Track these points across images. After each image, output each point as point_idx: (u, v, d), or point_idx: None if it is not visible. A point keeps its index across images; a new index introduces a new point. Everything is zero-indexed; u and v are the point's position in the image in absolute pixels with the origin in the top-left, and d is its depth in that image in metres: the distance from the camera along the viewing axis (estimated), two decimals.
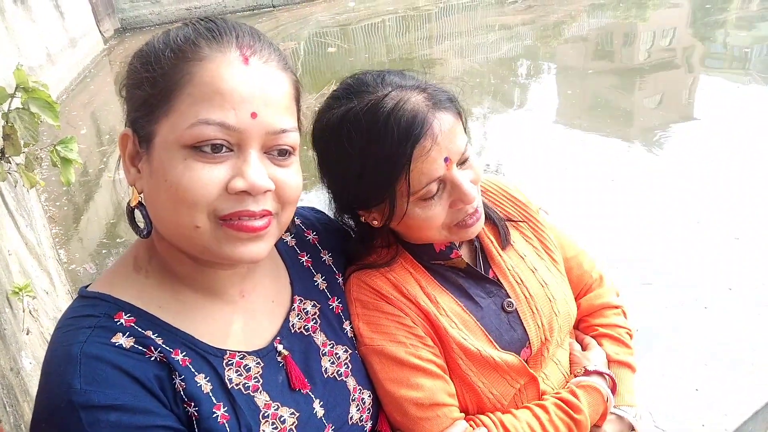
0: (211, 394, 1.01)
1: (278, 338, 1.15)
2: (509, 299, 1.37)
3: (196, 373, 1.01)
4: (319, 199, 1.42)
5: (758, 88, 7.86)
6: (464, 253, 1.41)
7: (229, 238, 0.98)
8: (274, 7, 17.24)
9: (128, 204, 1.06)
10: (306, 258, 1.33)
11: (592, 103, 8.18)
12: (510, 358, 1.31)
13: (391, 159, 1.18)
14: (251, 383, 1.07)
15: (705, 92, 8.01)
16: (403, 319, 1.29)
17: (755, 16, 11.38)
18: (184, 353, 1.02)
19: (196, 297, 1.09)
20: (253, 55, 0.99)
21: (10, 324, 2.40)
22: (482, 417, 1.28)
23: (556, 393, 1.35)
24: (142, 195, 1.04)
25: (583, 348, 1.49)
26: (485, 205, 1.45)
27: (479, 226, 1.30)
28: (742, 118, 6.67)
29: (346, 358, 1.24)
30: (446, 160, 1.20)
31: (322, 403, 1.14)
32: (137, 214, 1.07)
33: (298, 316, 1.22)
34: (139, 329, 0.99)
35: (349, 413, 1.19)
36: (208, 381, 1.02)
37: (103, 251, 5.52)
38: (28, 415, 2.06)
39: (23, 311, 2.57)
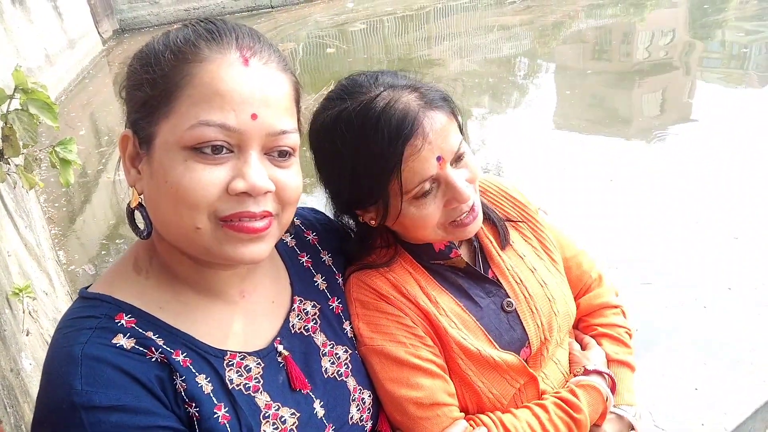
0: (212, 395, 1.01)
1: (278, 339, 1.15)
2: (509, 299, 1.38)
3: (197, 374, 1.01)
4: (319, 200, 1.42)
5: (757, 88, 7.86)
6: (464, 253, 1.41)
7: (230, 239, 0.98)
8: (272, 8, 17.24)
9: (128, 205, 1.07)
10: (306, 258, 1.33)
11: (591, 103, 8.19)
12: (510, 357, 1.31)
13: (383, 158, 1.19)
14: (252, 384, 1.07)
15: (704, 92, 8.02)
16: (403, 319, 1.30)
17: (754, 15, 11.39)
18: (185, 354, 1.02)
19: (197, 298, 1.10)
20: (253, 57, 0.99)
21: (10, 325, 2.40)
22: (482, 416, 1.28)
23: (556, 392, 1.35)
24: (142, 196, 1.04)
25: (583, 347, 1.49)
26: (484, 205, 1.46)
27: (477, 225, 1.30)
28: (741, 118, 6.68)
29: (346, 358, 1.24)
30: (439, 159, 1.20)
31: (322, 403, 1.15)
32: (137, 215, 1.07)
33: (298, 316, 1.22)
34: (140, 330, 1.00)
35: (350, 413, 1.19)
36: (208, 381, 1.02)
37: (103, 252, 5.52)
38: (29, 415, 2.06)
39: (23, 312, 2.56)
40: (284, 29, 14.71)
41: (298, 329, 1.20)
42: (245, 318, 1.14)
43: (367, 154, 1.20)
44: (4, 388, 1.95)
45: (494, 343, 1.32)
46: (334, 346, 1.24)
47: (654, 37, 10.92)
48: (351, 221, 1.42)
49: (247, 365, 1.08)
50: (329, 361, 1.21)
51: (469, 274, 1.39)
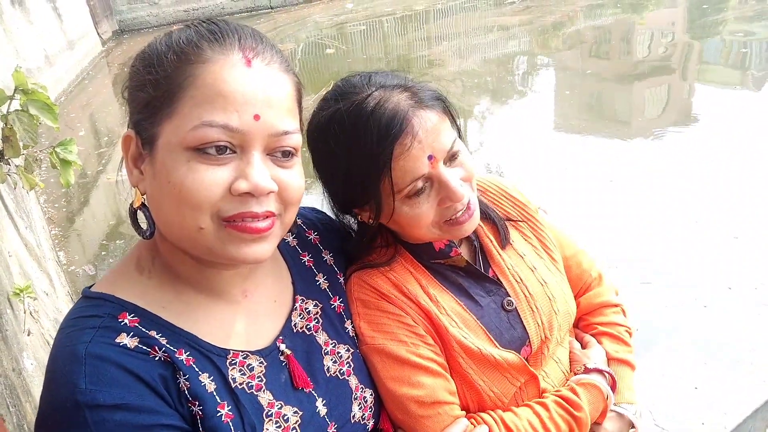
0: (215, 394, 1.02)
1: (281, 338, 1.16)
2: (509, 298, 1.38)
3: (200, 373, 1.02)
4: (318, 199, 1.43)
5: (756, 88, 7.87)
6: (464, 252, 1.42)
7: (233, 239, 0.99)
8: (272, 8, 17.22)
9: (131, 205, 1.07)
10: (308, 258, 1.33)
11: (591, 103, 8.20)
12: (510, 356, 1.31)
13: (373, 157, 1.20)
14: (255, 382, 1.07)
15: (703, 92, 8.03)
16: (404, 318, 1.30)
17: (753, 15, 11.40)
18: (188, 353, 1.02)
19: (199, 297, 1.10)
20: (255, 57, 0.99)
21: (12, 325, 2.40)
22: (483, 415, 1.29)
23: (557, 391, 1.35)
24: (144, 196, 1.05)
25: (583, 346, 1.49)
26: (485, 205, 1.46)
27: (473, 224, 1.31)
28: (741, 117, 6.69)
29: (348, 357, 1.25)
30: (430, 157, 1.21)
31: (324, 401, 1.15)
32: (140, 215, 1.08)
33: (300, 315, 1.22)
34: (143, 329, 1.00)
35: (352, 412, 1.20)
36: (212, 380, 1.03)
37: (103, 253, 5.52)
38: (30, 415, 2.06)
39: (24, 312, 2.57)
40: (283, 30, 14.70)
41: (300, 328, 1.21)
42: (247, 317, 1.14)
43: (359, 154, 1.21)
44: (7, 387, 1.96)
45: (495, 342, 1.33)
46: (335, 345, 1.24)
47: (653, 37, 10.93)
48: (352, 220, 1.43)
49: (249, 364, 1.08)
50: (331, 359, 1.22)
51: (470, 273, 1.40)
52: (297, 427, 1.09)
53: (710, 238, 4.46)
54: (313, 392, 1.14)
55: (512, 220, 1.51)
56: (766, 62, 8.91)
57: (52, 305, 3.51)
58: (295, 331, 1.20)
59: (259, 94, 0.97)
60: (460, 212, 1.27)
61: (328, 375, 1.19)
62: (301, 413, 1.10)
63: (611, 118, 7.44)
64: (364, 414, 1.22)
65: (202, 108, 0.94)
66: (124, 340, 0.97)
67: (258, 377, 1.08)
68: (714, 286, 3.90)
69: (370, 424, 1.24)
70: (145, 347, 0.98)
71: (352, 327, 1.31)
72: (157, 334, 1.01)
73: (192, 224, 0.97)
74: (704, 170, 5.50)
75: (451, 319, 1.32)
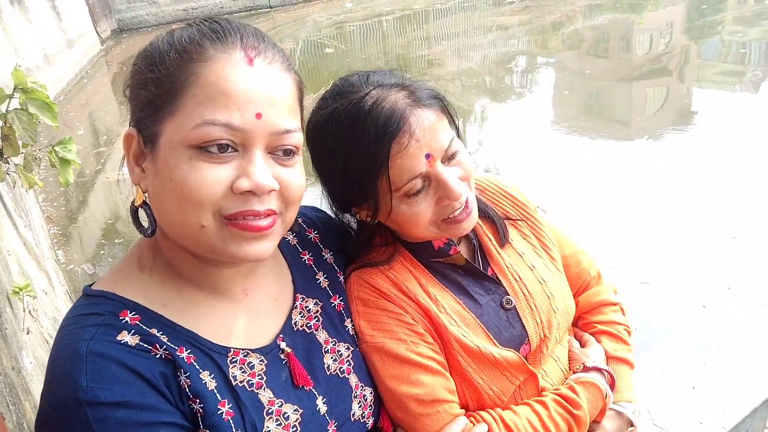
0: (215, 391, 1.02)
1: (281, 336, 1.16)
2: (508, 296, 1.39)
3: (201, 371, 1.02)
4: (317, 197, 1.44)
5: (755, 88, 7.88)
6: (463, 251, 1.42)
7: (235, 237, 0.99)
8: (271, 8, 17.21)
9: (132, 203, 1.07)
10: (308, 257, 1.34)
11: (590, 103, 8.21)
12: (509, 354, 1.32)
13: (370, 156, 1.20)
14: (255, 380, 1.08)
15: (702, 92, 8.04)
16: (404, 316, 1.30)
17: (752, 15, 11.42)
18: (189, 351, 1.02)
19: (200, 295, 1.10)
20: (257, 56, 1.00)
21: (11, 323, 2.40)
22: (482, 413, 1.29)
23: (556, 389, 1.36)
24: (146, 194, 1.05)
25: (582, 345, 1.50)
26: (483, 204, 1.47)
27: (471, 223, 1.31)
28: (740, 117, 6.70)
29: (348, 355, 1.25)
30: (428, 156, 1.21)
31: (324, 399, 1.16)
32: (141, 213, 1.08)
33: (300, 314, 1.22)
34: (144, 327, 1.00)
35: (352, 410, 1.20)
36: (212, 378, 1.03)
37: (101, 252, 5.52)
38: (30, 413, 2.07)
39: (23, 311, 2.57)
40: (283, 29, 14.70)
41: (301, 326, 1.21)
42: (248, 315, 1.15)
43: (357, 153, 1.22)
44: (6, 386, 1.96)
45: (494, 341, 1.33)
46: (336, 343, 1.24)
47: (652, 37, 10.94)
48: (351, 219, 1.43)
49: (250, 362, 1.09)
50: (331, 358, 1.22)
51: (469, 271, 1.40)
52: (297, 425, 1.09)
53: (710, 238, 4.47)
54: (313, 390, 1.15)
55: (511, 219, 1.52)
56: (765, 62, 8.92)
57: (51, 304, 3.51)
58: (295, 329, 1.20)
59: (261, 92, 0.97)
60: (458, 211, 1.27)
61: (328, 373, 1.20)
62: (301, 411, 1.10)
63: (611, 118, 7.45)
64: (363, 412, 1.23)
65: (204, 106, 0.95)
66: (125, 337, 0.97)
67: (258, 375, 1.08)
68: (713, 286, 3.90)
69: (369, 423, 1.24)
70: (146, 345, 0.99)
71: (352, 325, 1.31)
72: (158, 332, 1.01)
73: (194, 222, 0.97)
74: (704, 170, 5.51)
75: (451, 317, 1.32)
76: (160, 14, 16.47)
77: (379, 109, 1.20)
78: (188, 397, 1.00)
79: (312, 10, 16.69)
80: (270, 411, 1.07)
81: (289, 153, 1.03)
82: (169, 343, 1.01)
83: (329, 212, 1.45)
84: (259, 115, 0.96)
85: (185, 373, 1.00)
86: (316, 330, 1.23)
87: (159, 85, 0.98)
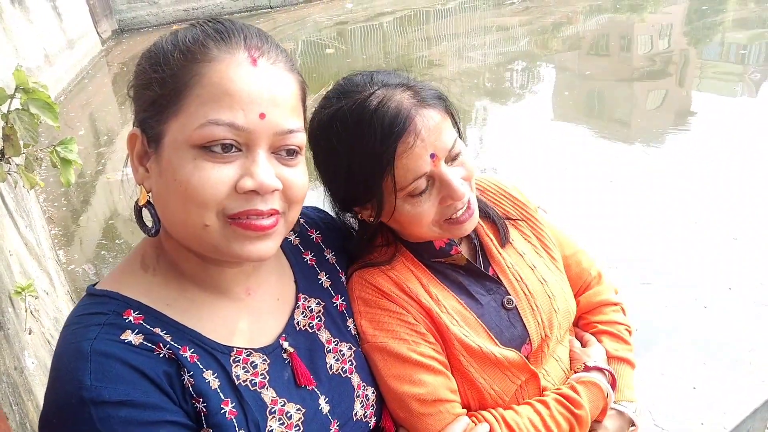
0: (219, 390, 1.03)
1: (284, 335, 1.17)
2: (509, 296, 1.39)
3: (204, 370, 1.03)
4: (320, 197, 1.44)
5: (755, 89, 7.88)
6: (464, 251, 1.42)
7: (238, 236, 1.00)
8: (271, 8, 17.22)
9: (136, 203, 1.08)
10: (310, 257, 1.34)
11: (590, 103, 8.21)
12: (511, 354, 1.32)
13: (376, 156, 1.20)
14: (258, 380, 1.08)
15: (702, 93, 8.04)
16: (405, 316, 1.31)
17: (752, 16, 11.42)
18: (192, 350, 1.03)
19: (203, 295, 1.11)
20: (261, 57, 1.00)
21: (13, 323, 2.40)
22: (484, 413, 1.29)
23: (557, 389, 1.36)
24: (150, 194, 1.06)
25: (583, 345, 1.50)
26: (485, 204, 1.47)
27: (473, 223, 1.32)
28: (740, 118, 6.70)
29: (350, 355, 1.25)
30: (432, 156, 1.21)
31: (327, 399, 1.16)
32: (145, 212, 1.08)
33: (302, 313, 1.23)
34: (148, 326, 1.01)
35: (354, 409, 1.21)
36: (216, 377, 1.03)
37: (102, 252, 5.52)
38: (32, 413, 2.07)
39: (25, 311, 2.57)
40: (283, 30, 14.70)
41: (303, 326, 1.21)
42: (251, 315, 1.15)
43: (361, 152, 1.22)
44: (9, 386, 1.96)
45: (495, 340, 1.33)
46: (338, 343, 1.25)
47: (653, 38, 10.94)
48: (353, 220, 1.43)
49: (253, 361, 1.09)
50: (334, 357, 1.22)
51: (470, 271, 1.41)
52: (300, 425, 1.09)
53: (710, 238, 4.47)
54: (315, 390, 1.15)
55: (512, 219, 1.52)
56: (765, 62, 8.92)
57: (52, 304, 3.52)
58: (297, 329, 1.20)
59: (264, 93, 0.98)
60: (461, 211, 1.28)
61: (330, 373, 1.20)
62: (304, 410, 1.11)
63: (611, 119, 7.45)
64: (366, 412, 1.23)
65: (208, 106, 0.95)
66: (129, 337, 0.98)
67: (261, 375, 1.09)
68: (714, 287, 3.91)
69: (372, 422, 1.24)
70: (149, 344, 0.99)
71: (354, 325, 1.32)
72: (161, 332, 1.01)
73: (197, 221, 0.98)
74: (704, 171, 5.51)
75: (452, 317, 1.32)
76: (161, 14, 16.48)
77: (385, 108, 1.20)
78: (192, 396, 1.00)
79: (312, 10, 16.70)
80: (273, 410, 1.07)
81: (292, 153, 1.04)
82: (172, 343, 1.01)
83: (330, 212, 1.45)
84: (262, 115, 0.97)
85: (189, 373, 1.00)
86: (319, 330, 1.23)
87: (163, 86, 0.98)
